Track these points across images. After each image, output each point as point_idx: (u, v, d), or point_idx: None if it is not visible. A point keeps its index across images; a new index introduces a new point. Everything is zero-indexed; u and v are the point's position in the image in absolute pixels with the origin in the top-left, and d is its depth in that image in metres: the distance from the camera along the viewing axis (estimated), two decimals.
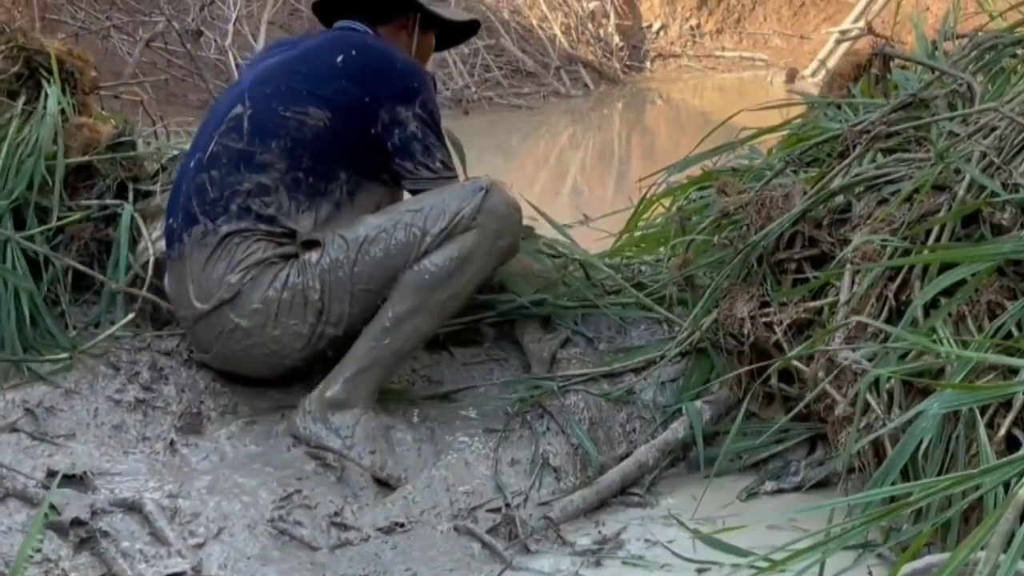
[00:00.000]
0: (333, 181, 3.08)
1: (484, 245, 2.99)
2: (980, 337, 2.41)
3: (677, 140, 11.02)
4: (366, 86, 3.07)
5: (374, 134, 3.08)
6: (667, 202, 3.88)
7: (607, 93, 12.56)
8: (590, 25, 13.03)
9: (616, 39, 13.12)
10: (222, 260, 3.00)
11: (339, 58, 3.11)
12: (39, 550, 2.47)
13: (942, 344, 2.44)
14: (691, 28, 13.67)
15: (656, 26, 13.63)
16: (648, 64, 13.36)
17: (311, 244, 3.02)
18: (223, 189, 3.03)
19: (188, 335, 3.16)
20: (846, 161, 2.97)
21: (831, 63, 10.68)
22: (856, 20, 11.89)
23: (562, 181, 10.01)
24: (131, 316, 3.25)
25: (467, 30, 3.57)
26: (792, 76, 12.12)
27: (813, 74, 11.73)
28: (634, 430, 3.06)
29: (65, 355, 3.10)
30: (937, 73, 3.11)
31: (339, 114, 3.05)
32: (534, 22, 12.73)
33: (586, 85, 12.48)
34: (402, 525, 2.69)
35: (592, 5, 13.20)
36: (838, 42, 11.54)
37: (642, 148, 11.57)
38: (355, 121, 3.07)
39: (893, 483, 2.34)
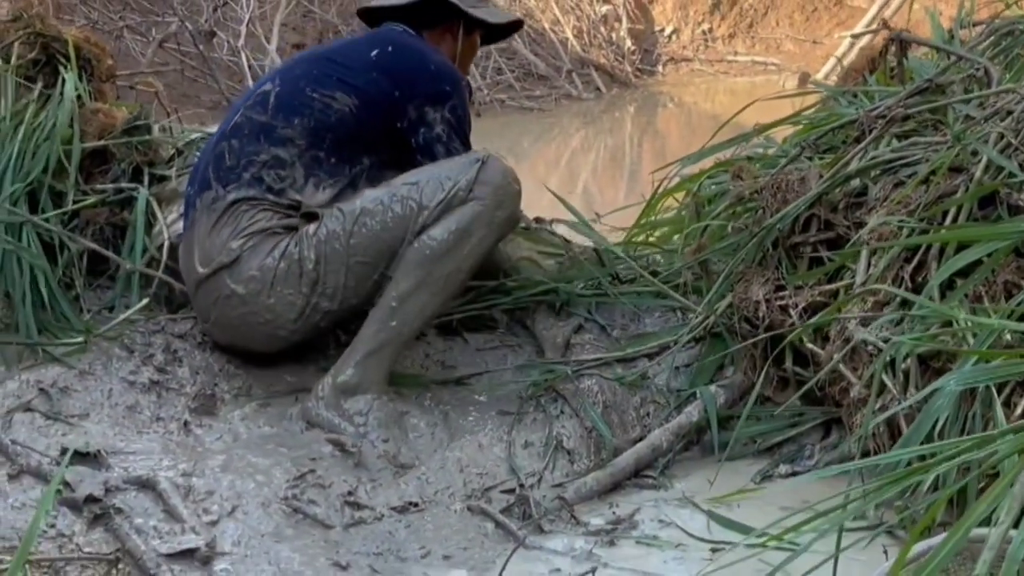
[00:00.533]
0: (356, 165, 3.10)
1: (483, 217, 2.98)
2: (997, 317, 2.39)
3: (689, 143, 10.96)
4: (397, 82, 3.10)
5: (399, 128, 3.11)
6: (680, 195, 3.87)
7: (619, 96, 12.55)
8: (602, 29, 13.02)
9: (628, 43, 13.11)
10: (227, 226, 3.03)
11: (374, 52, 3.14)
12: (53, 525, 2.47)
13: (959, 323, 2.43)
14: (703, 32, 13.66)
15: (668, 30, 13.62)
16: (660, 68, 13.35)
17: (311, 216, 3.03)
18: (240, 157, 3.05)
19: (192, 304, 3.17)
20: (862, 144, 2.96)
21: (847, 61, 10.67)
22: (869, 24, 11.87)
23: (574, 183, 10.00)
24: (145, 301, 3.26)
25: (511, 28, 3.55)
26: (804, 80, 12.10)
27: (827, 76, 11.72)
28: (648, 414, 3.05)
29: (79, 339, 3.11)
30: (953, 59, 3.10)
31: (366, 103, 3.07)
32: (546, 25, 12.73)
33: (598, 88, 12.48)
34: (416, 505, 2.69)
35: (604, 9, 13.20)
36: (853, 39, 11.50)
37: (653, 151, 11.55)
38: (382, 113, 3.09)
39: (909, 463, 2.33)
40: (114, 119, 3.61)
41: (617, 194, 9.57)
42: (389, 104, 3.10)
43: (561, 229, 3.72)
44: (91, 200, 3.47)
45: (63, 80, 3.69)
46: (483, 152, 3.07)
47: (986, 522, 1.88)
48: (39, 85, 3.70)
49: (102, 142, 3.55)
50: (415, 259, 2.96)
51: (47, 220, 3.36)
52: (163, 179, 3.58)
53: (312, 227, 3.00)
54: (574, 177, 10.29)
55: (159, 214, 3.40)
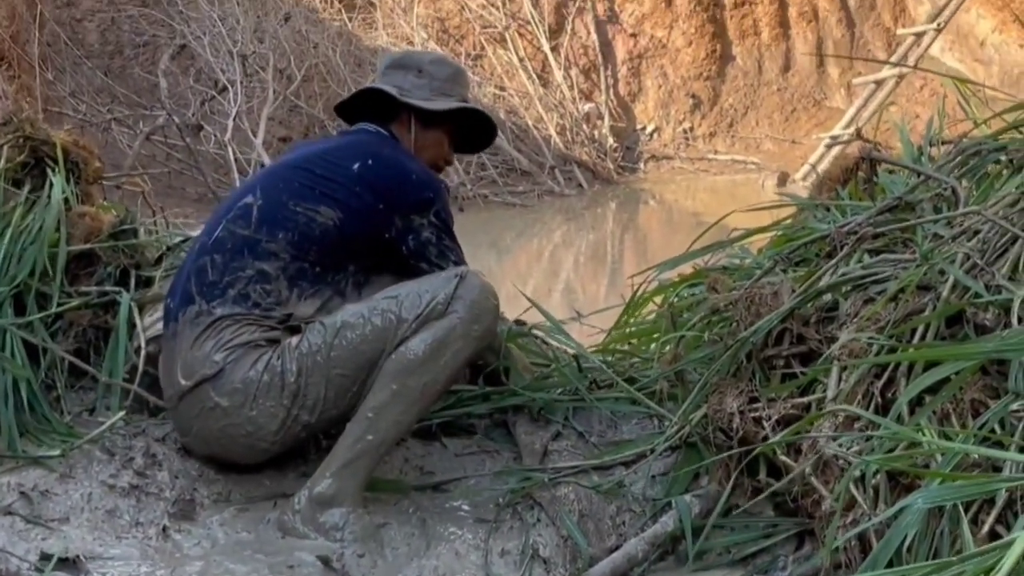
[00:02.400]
0: (341, 272, 3.16)
1: (459, 330, 3.02)
2: (964, 435, 2.44)
3: (669, 240, 11.13)
4: (381, 195, 3.16)
5: (387, 238, 3.18)
6: (658, 299, 3.93)
7: (601, 193, 12.70)
8: (585, 126, 13.21)
9: (610, 140, 13.30)
10: (211, 339, 3.05)
11: (356, 165, 3.18)
12: None
13: (926, 446, 2.47)
14: (684, 131, 13.86)
15: (650, 128, 13.82)
16: (642, 165, 13.53)
17: (294, 328, 3.07)
18: (224, 273, 3.09)
19: (171, 416, 3.19)
20: (834, 260, 3.02)
21: (821, 167, 10.83)
22: (846, 126, 12.08)
23: (555, 278, 10.09)
24: (122, 413, 3.28)
25: (483, 131, 3.55)
26: (783, 180, 12.28)
27: (804, 178, 11.89)
28: (624, 523, 3.08)
29: (58, 452, 3.12)
30: (923, 177, 3.18)
31: (351, 216, 3.13)
32: (530, 122, 12.91)
33: (580, 185, 12.64)
34: None
35: (587, 107, 13.40)
36: (828, 147, 11.71)
37: (635, 247, 11.67)
38: (367, 225, 3.16)
39: None
40: (101, 222, 3.67)
41: (599, 289, 9.66)
42: (374, 216, 3.16)
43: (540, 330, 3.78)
44: (75, 303, 3.51)
45: (51, 183, 3.75)
46: (462, 268, 3.13)
47: None
48: (27, 187, 3.76)
49: (88, 245, 3.61)
50: (391, 371, 2.99)
51: (30, 324, 3.39)
52: (149, 281, 3.63)
53: (295, 340, 3.04)
54: (556, 272, 10.38)
55: (138, 321, 3.44)
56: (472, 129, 3.51)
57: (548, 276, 10.15)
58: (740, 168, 13.34)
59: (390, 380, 2.98)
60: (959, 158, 3.30)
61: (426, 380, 3.00)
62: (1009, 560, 1.93)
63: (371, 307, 3.04)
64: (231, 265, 3.09)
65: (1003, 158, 3.25)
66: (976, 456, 2.41)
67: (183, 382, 3.07)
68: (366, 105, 3.41)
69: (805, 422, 2.76)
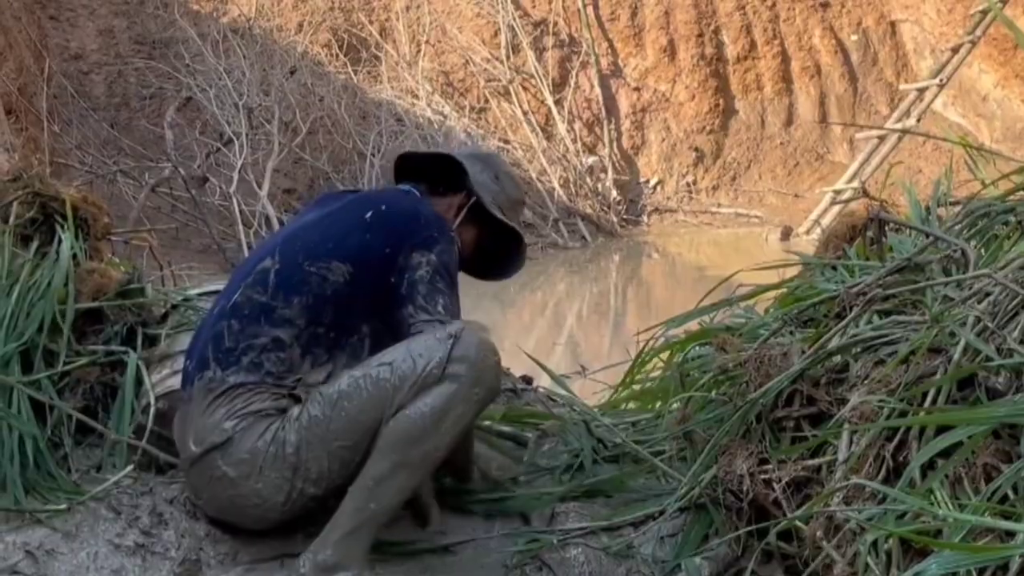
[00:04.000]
0: (354, 335, 3.08)
1: (459, 395, 2.91)
2: (976, 500, 2.43)
3: (673, 293, 11.14)
4: (388, 237, 3.08)
5: (392, 283, 3.06)
6: (664, 355, 3.93)
7: (604, 246, 12.73)
8: (588, 179, 13.25)
9: (614, 193, 13.34)
10: (223, 406, 3.02)
11: (368, 213, 3.14)
12: None
13: (939, 506, 2.46)
14: (687, 184, 13.90)
15: (653, 181, 13.87)
16: (645, 218, 13.56)
17: (297, 399, 3.02)
18: (239, 340, 3.06)
19: (185, 480, 3.17)
20: (843, 322, 3.02)
21: (825, 221, 10.85)
22: (849, 180, 12.12)
23: (559, 331, 10.08)
24: (130, 468, 3.27)
25: (505, 262, 3.49)
26: (787, 233, 12.30)
27: (808, 232, 11.91)
28: None
29: (63, 506, 3.11)
30: (932, 238, 3.18)
31: (360, 267, 3.06)
32: (534, 175, 12.95)
33: (584, 237, 12.67)
34: None
35: (590, 160, 13.45)
36: (833, 202, 11.74)
37: (638, 301, 11.67)
38: (376, 273, 3.07)
39: None
40: (109, 279, 3.67)
41: (602, 342, 9.66)
42: (381, 261, 3.07)
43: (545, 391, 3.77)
44: (83, 361, 3.50)
45: (59, 239, 3.75)
46: (456, 326, 2.99)
47: None
48: (35, 243, 3.77)
49: (96, 303, 3.60)
50: (391, 440, 2.91)
51: (37, 383, 3.39)
52: (155, 339, 3.62)
53: (296, 410, 3.00)
54: (559, 324, 10.38)
55: (147, 379, 3.43)
56: (496, 256, 3.46)
57: (551, 329, 10.14)
58: (743, 221, 13.38)
59: (390, 450, 2.91)
60: (968, 219, 3.30)
61: (427, 448, 2.92)
62: None
63: (367, 374, 2.96)
64: (246, 331, 3.06)
65: (1012, 219, 3.25)
66: (987, 526, 2.40)
67: (194, 448, 3.05)
68: (425, 168, 3.37)
69: (818, 500, 2.74)
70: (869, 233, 3.46)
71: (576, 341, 9.82)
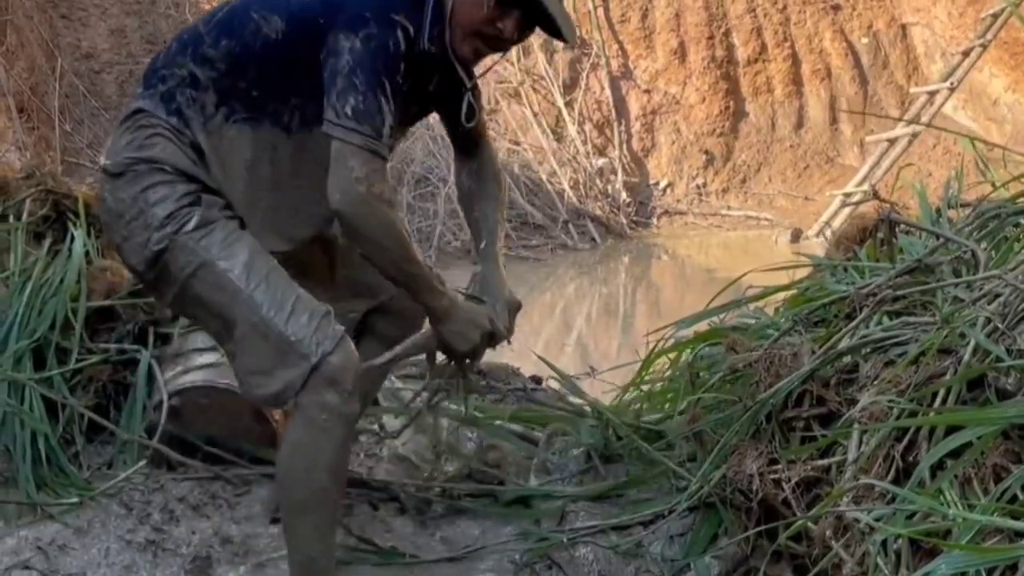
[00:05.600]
0: (281, 103, 2.73)
1: (311, 429, 2.62)
2: (986, 501, 2.43)
3: (682, 295, 11.13)
4: (326, 6, 2.66)
5: (322, 61, 2.64)
6: (673, 356, 3.93)
7: (613, 247, 12.72)
8: (598, 181, 13.25)
9: (623, 195, 13.33)
10: (130, 132, 2.75)
11: None
12: None
13: (949, 506, 2.46)
14: (697, 187, 13.89)
15: (663, 183, 13.86)
16: (654, 220, 13.55)
17: (199, 152, 2.72)
18: (165, 65, 2.78)
19: None
20: (853, 323, 3.02)
21: (835, 224, 10.84)
22: (859, 184, 12.10)
23: (568, 333, 10.08)
24: (141, 464, 3.30)
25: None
26: (797, 236, 12.29)
27: (818, 234, 11.90)
28: None
29: (75, 499, 3.13)
30: (942, 239, 3.19)
31: (293, 28, 2.69)
32: (543, 177, 12.95)
33: (593, 239, 12.66)
34: None
35: (600, 162, 13.45)
36: (843, 205, 11.73)
37: (647, 302, 11.67)
38: (307, 41, 2.66)
39: None
40: (121, 278, 3.69)
41: (611, 344, 9.65)
42: (314, 31, 2.65)
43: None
44: (95, 359, 3.52)
45: (72, 237, 3.78)
46: (318, 345, 2.61)
47: None
48: (48, 241, 3.79)
49: (108, 302, 3.62)
50: (275, 497, 2.83)
51: (49, 380, 3.41)
52: (167, 337, 3.64)
53: (191, 226, 2.67)
54: (569, 325, 10.38)
55: (159, 377, 3.45)
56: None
57: (561, 330, 10.15)
58: (753, 224, 13.35)
59: (280, 502, 2.76)
60: (978, 221, 3.30)
61: (308, 490, 2.66)
62: None
63: (247, 319, 2.64)
64: (175, 59, 2.76)
65: (1022, 221, 3.25)
66: (997, 526, 2.40)
67: (102, 159, 2.81)
68: None
69: (828, 501, 2.74)
70: (880, 234, 3.46)
71: (585, 342, 9.83)
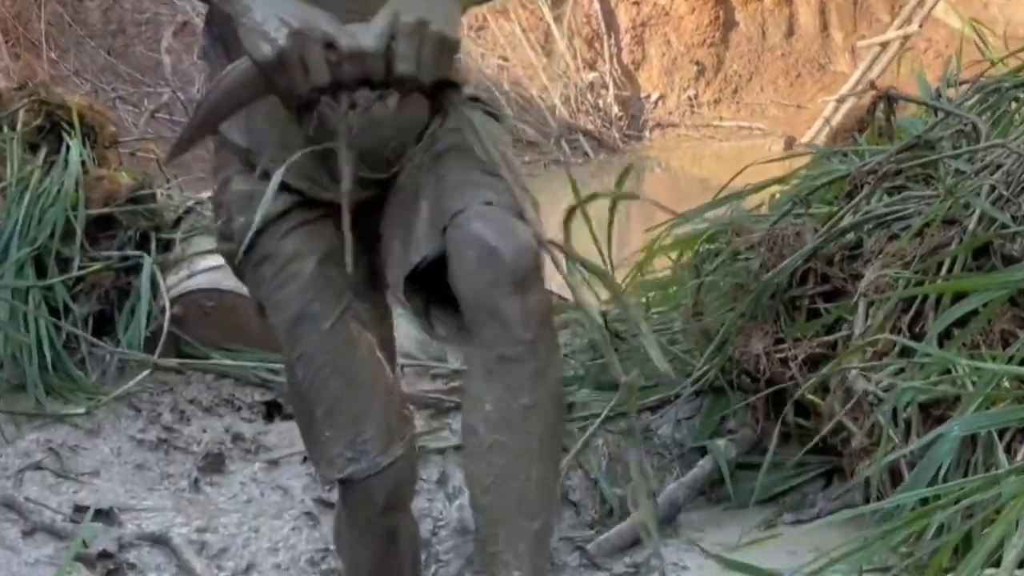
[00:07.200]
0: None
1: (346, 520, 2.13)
2: (996, 362, 2.44)
3: (677, 206, 11.03)
4: None
5: None
6: (672, 254, 3.91)
7: (607, 161, 12.67)
8: (589, 96, 13.17)
9: (615, 109, 13.25)
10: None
11: None
12: None
13: (959, 370, 2.47)
14: (689, 98, 13.80)
15: (654, 96, 13.77)
16: (647, 133, 13.48)
17: None
18: None
19: None
20: (855, 199, 3.02)
21: (835, 122, 10.79)
22: (852, 89, 12.03)
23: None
24: (146, 372, 3.29)
25: None
26: (790, 144, 12.24)
27: (814, 138, 11.86)
28: (652, 466, 3.09)
29: (82, 410, 3.14)
30: (942, 115, 3.17)
31: None
32: (534, 92, 12.87)
33: (586, 154, 12.60)
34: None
35: (591, 76, 13.36)
36: (839, 103, 11.63)
37: (641, 216, 11.64)
38: None
39: (912, 508, 2.36)
40: (118, 186, 3.67)
41: (606, 256, 9.66)
42: None
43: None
44: (97, 266, 3.51)
45: (67, 147, 3.75)
46: (349, 462, 1.97)
47: (991, 564, 1.93)
48: (43, 151, 3.77)
49: (107, 209, 3.60)
50: None
51: (52, 287, 3.40)
52: (168, 243, 3.63)
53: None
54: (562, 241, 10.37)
55: (162, 283, 3.44)
56: None
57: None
58: (746, 134, 13.28)
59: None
60: (978, 96, 3.28)
61: (351, 565, 2.18)
62: None
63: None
64: None
65: (1022, 95, 3.24)
66: (1006, 387, 2.41)
67: None
68: None
69: (836, 363, 2.75)
70: (879, 113, 3.44)
71: (581, 253, 9.82)
